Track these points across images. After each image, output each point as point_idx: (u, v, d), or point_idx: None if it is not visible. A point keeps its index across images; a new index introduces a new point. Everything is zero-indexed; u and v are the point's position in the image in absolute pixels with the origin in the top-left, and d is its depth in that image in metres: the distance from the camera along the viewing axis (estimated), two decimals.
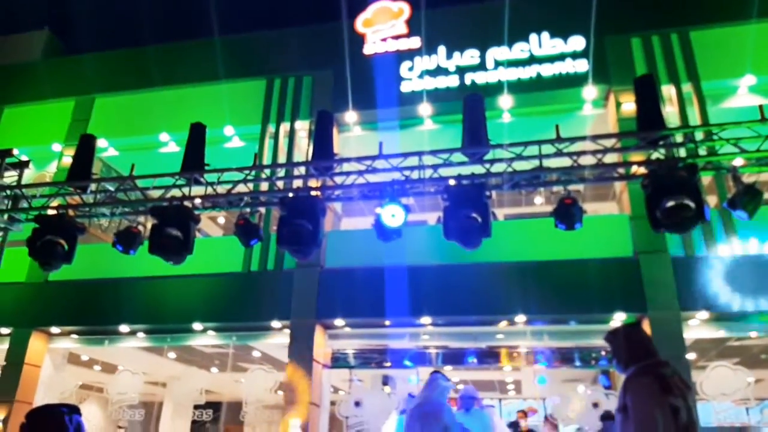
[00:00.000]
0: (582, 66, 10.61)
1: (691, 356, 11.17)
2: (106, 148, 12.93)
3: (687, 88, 10.19)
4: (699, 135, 6.36)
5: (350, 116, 11.79)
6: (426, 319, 10.24)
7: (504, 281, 9.64)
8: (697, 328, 9.56)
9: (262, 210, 10.65)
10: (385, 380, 11.88)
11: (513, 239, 10.05)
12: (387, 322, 10.47)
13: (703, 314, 9.15)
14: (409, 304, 9.98)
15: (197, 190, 7.52)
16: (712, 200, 10.23)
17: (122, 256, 7.59)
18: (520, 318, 9.78)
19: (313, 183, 7.66)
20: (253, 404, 10.72)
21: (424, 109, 11.46)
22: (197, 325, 11.04)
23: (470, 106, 6.89)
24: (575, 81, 10.61)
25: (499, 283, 9.64)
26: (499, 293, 9.62)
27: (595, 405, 9.73)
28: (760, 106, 5.93)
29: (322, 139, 7.47)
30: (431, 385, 5.70)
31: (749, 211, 5.94)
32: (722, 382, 9.33)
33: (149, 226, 7.23)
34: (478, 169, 6.72)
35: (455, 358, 11.11)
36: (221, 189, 7.54)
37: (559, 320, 9.98)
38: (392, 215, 6.58)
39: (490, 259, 9.57)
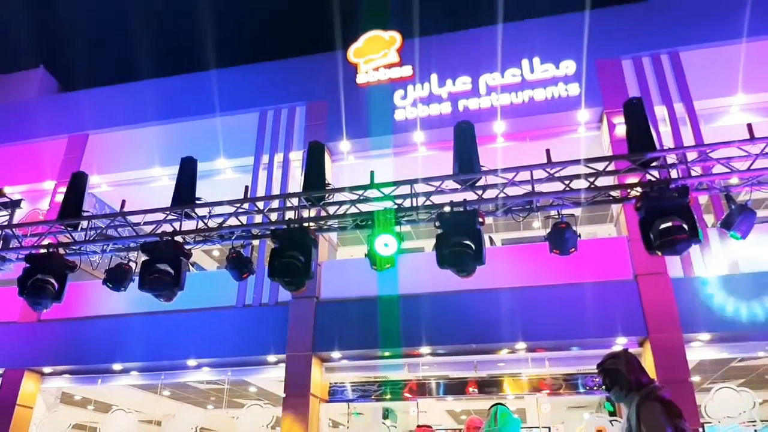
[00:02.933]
0: (574, 90, 10.66)
1: (694, 378, 10.97)
2: (99, 185, 12.91)
3: (679, 108, 10.22)
4: (692, 155, 6.32)
5: (344, 145, 11.81)
6: (425, 349, 10.07)
7: (503, 308, 9.50)
8: (699, 349, 9.39)
9: (256, 243, 10.63)
10: (386, 413, 11.63)
11: (510, 265, 9.95)
12: (385, 353, 10.29)
13: (705, 335, 9.00)
14: (407, 334, 9.84)
15: (189, 224, 7.46)
16: (710, 219, 10.19)
17: (115, 293, 7.49)
18: (521, 345, 9.62)
19: (306, 214, 7.59)
20: None
21: (418, 136, 11.48)
22: (191, 361, 10.85)
23: (461, 133, 6.89)
24: (568, 104, 10.65)
25: (498, 310, 9.49)
26: (498, 320, 9.47)
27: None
28: (749, 125, 5.92)
29: (313, 170, 7.46)
30: (505, 418, 5.55)
31: (743, 232, 5.88)
32: (727, 404, 9.13)
33: (141, 262, 7.17)
34: (471, 195, 6.68)
35: (456, 388, 10.89)
36: (213, 223, 7.49)
37: (560, 346, 9.81)
38: (385, 245, 6.51)
39: (488, 285, 9.45)
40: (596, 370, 3.89)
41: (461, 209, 6.47)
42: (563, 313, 9.35)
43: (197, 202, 7.34)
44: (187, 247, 7.23)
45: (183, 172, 7.59)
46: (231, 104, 12.55)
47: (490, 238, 12.83)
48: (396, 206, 7.04)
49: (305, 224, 7.12)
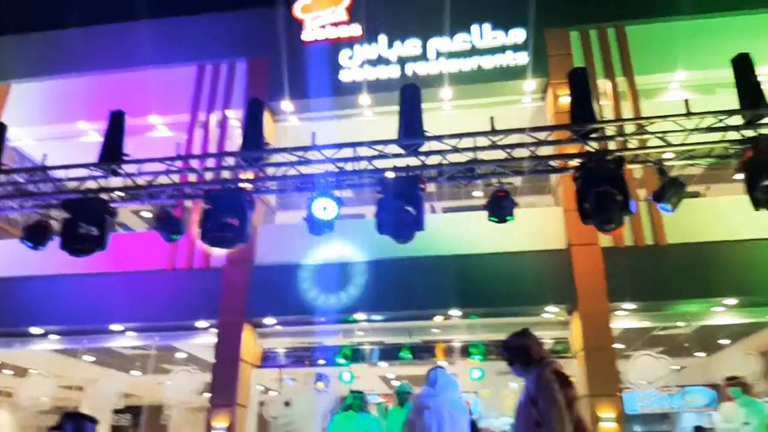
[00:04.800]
0: (522, 59, 10.64)
1: (618, 346, 11.49)
2: (21, 138, 12.00)
3: (622, 82, 10.37)
4: (630, 128, 6.42)
5: (286, 105, 11.41)
6: (360, 315, 10.04)
7: (439, 275, 9.55)
8: (624, 318, 9.81)
9: (189, 203, 10.20)
10: (319, 378, 11.61)
11: (449, 232, 9.97)
12: (320, 319, 10.19)
13: (630, 305, 9.38)
14: (343, 300, 9.76)
15: (115, 181, 7.01)
16: (643, 193, 10.49)
17: (33, 252, 7.00)
18: (455, 312, 9.75)
19: (243, 175, 7.29)
20: (176, 407, 10.21)
21: (364, 99, 11.22)
22: (116, 326, 10.41)
23: (407, 97, 6.71)
24: (515, 73, 10.63)
25: (434, 277, 9.53)
26: (434, 287, 9.53)
27: None
28: (686, 101, 6.06)
29: (252, 129, 7.13)
30: (442, 380, 5.55)
31: (673, 204, 6.06)
32: (646, 371, 9.62)
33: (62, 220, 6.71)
34: (414, 161, 6.57)
35: (390, 353, 10.98)
36: (142, 181, 7.07)
37: (494, 313, 10.01)
38: (324, 208, 6.34)
39: (426, 253, 9.47)
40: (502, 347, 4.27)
41: (403, 175, 6.36)
42: (498, 280, 9.50)
43: (125, 158, 6.89)
44: (113, 205, 6.82)
45: (111, 127, 7.10)
46: (166, 57, 11.81)
47: (432, 206, 12.87)
48: (338, 170, 6.86)
49: (241, 185, 6.84)
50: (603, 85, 10.38)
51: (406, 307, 9.89)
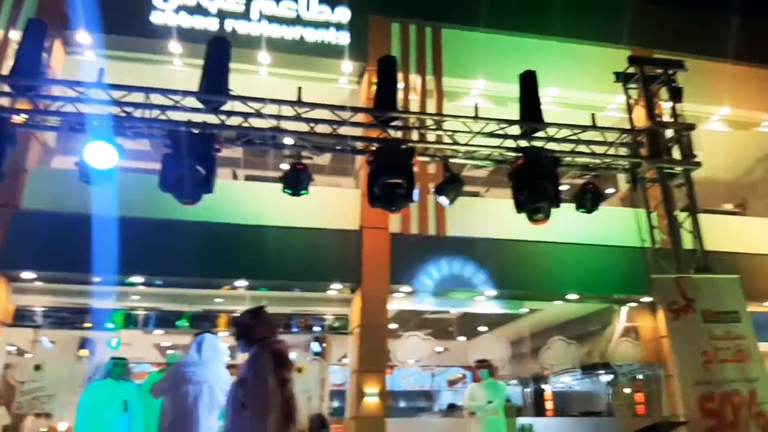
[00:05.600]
0: (344, 39, 10.68)
1: (393, 326, 12.32)
2: None
3: (431, 81, 10.94)
4: (429, 124, 6.81)
5: (83, 37, 10.00)
6: (137, 278, 9.29)
7: (230, 244, 9.21)
8: (401, 300, 10.50)
9: None
10: (84, 343, 10.50)
11: (246, 201, 9.68)
12: (91, 279, 9.20)
13: (407, 288, 10.05)
14: (119, 260, 8.87)
15: None
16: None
17: None
18: (242, 283, 9.52)
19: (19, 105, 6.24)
20: None
21: (174, 47, 10.30)
22: None
23: (215, 50, 6.31)
24: (335, 52, 10.63)
25: (224, 245, 9.18)
26: (223, 256, 9.17)
27: (299, 370, 10.02)
28: (476, 105, 6.63)
29: (28, 53, 6.10)
30: (209, 348, 5.17)
31: (450, 198, 6.61)
32: (412, 350, 10.45)
33: None
34: (213, 119, 6.21)
35: (166, 321, 10.36)
36: None
37: (281, 287, 10.00)
38: (100, 154, 5.67)
39: (217, 219, 9.08)
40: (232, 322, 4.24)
41: (198, 131, 5.97)
42: (289, 255, 9.49)
43: None
44: None
45: None
46: None
47: (234, 172, 12.39)
48: (125, 114, 6.21)
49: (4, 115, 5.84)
50: (414, 79, 10.89)
51: (191, 273, 9.38)
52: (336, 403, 12.67)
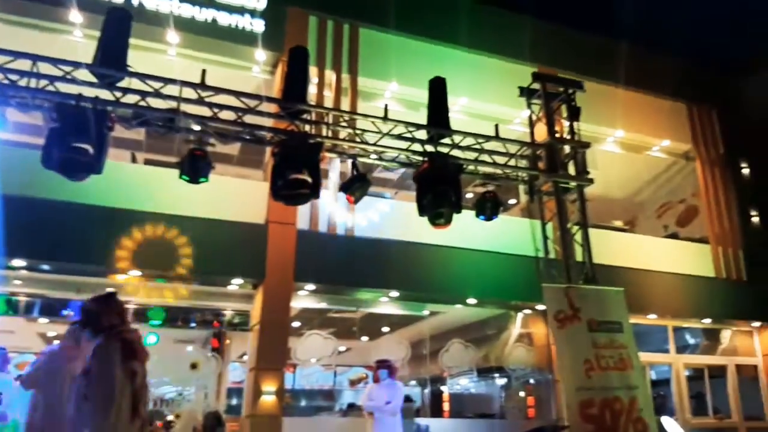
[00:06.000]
0: (259, 26, 10.36)
1: (296, 324, 12.14)
2: None
3: (346, 79, 10.87)
4: (340, 122, 6.76)
5: None
6: (19, 262, 8.57)
7: (123, 230, 8.66)
8: (305, 298, 10.36)
9: None
10: None
11: (144, 186, 9.18)
12: None
13: (311, 286, 9.94)
14: (1, 242, 8.18)
15: None
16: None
17: None
18: (135, 272, 9.01)
19: None
20: None
21: (75, 16, 9.58)
22: None
23: (113, 20, 5.91)
24: (250, 39, 10.27)
25: (117, 232, 8.62)
26: (115, 243, 8.60)
27: (194, 366, 9.68)
28: (386, 106, 6.66)
29: None
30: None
31: (356, 197, 6.59)
32: (313, 349, 10.36)
33: None
34: (107, 95, 5.82)
35: (51, 309, 9.65)
36: None
37: (179, 278, 9.56)
38: None
39: (110, 203, 8.55)
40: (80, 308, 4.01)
41: (89, 106, 5.57)
42: (190, 245, 9.07)
43: None
44: None
45: None
46: None
47: (133, 155, 11.74)
48: (8, 82, 5.71)
49: None
50: (329, 76, 10.78)
51: (80, 260, 8.75)
52: (235, 401, 12.37)
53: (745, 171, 14.28)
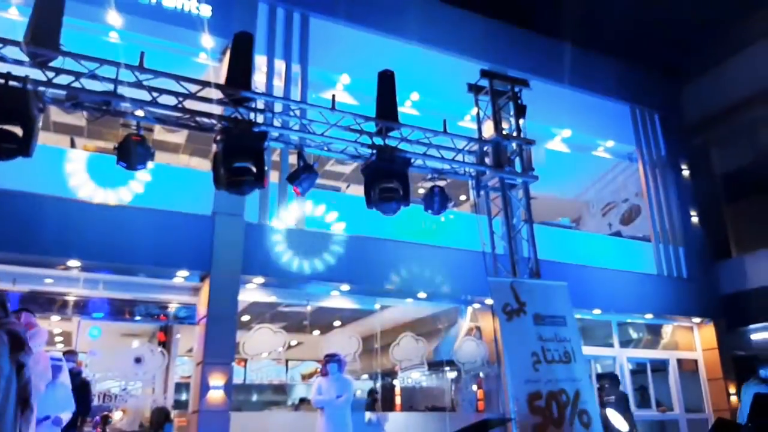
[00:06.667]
0: (206, 11, 10.07)
1: (246, 318, 11.96)
2: None
3: (296, 68, 10.70)
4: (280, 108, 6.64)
5: None
6: None
7: (62, 220, 8.30)
8: (254, 291, 10.20)
9: None
10: None
11: (76, 173, 8.79)
12: None
13: (260, 279, 9.78)
14: None
15: None
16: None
17: None
18: (74, 263, 8.67)
19: None
20: None
21: None
22: None
23: None
24: (195, 24, 9.93)
25: (56, 222, 8.26)
26: (52, 232, 8.26)
27: (138, 360, 9.41)
28: (333, 96, 6.58)
29: None
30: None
31: (303, 189, 6.50)
32: (262, 343, 10.21)
33: None
34: (38, 74, 5.55)
35: None
36: None
37: (121, 270, 9.26)
38: None
39: (48, 190, 8.20)
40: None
41: (19, 86, 5.30)
42: (134, 236, 8.78)
43: None
44: None
45: None
46: None
47: (72, 140, 11.26)
48: None
49: None
50: (279, 65, 10.58)
51: (16, 249, 8.35)
52: (184, 396, 12.11)
53: (686, 173, 14.83)
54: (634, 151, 14.39)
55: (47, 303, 9.79)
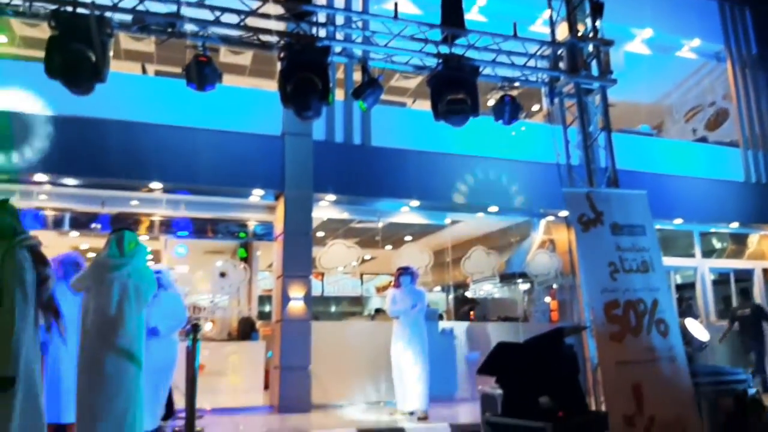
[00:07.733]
0: None
1: (321, 234, 12.33)
2: None
3: None
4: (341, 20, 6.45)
5: None
6: (41, 177, 8.73)
7: (139, 143, 8.65)
8: (326, 208, 10.43)
9: None
10: None
11: (156, 99, 9.09)
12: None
13: (332, 196, 9.96)
14: (22, 157, 8.31)
15: None
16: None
17: None
18: (156, 185, 9.12)
19: None
20: None
21: None
22: None
23: None
24: None
25: (133, 145, 8.61)
26: (133, 155, 8.64)
27: (222, 275, 9.99)
28: (396, 5, 6.29)
29: None
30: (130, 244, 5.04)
31: (369, 103, 6.40)
32: (336, 257, 10.56)
33: None
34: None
35: (79, 222, 9.93)
36: None
37: (199, 191, 9.68)
38: None
39: (126, 116, 8.53)
40: None
41: (86, 12, 5.38)
42: (207, 158, 9.10)
43: None
44: None
45: None
46: None
47: (143, 66, 11.54)
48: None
49: None
50: None
51: (102, 174, 8.87)
52: (267, 308, 12.84)
53: None
54: (722, 50, 13.20)
55: (134, 224, 10.43)
